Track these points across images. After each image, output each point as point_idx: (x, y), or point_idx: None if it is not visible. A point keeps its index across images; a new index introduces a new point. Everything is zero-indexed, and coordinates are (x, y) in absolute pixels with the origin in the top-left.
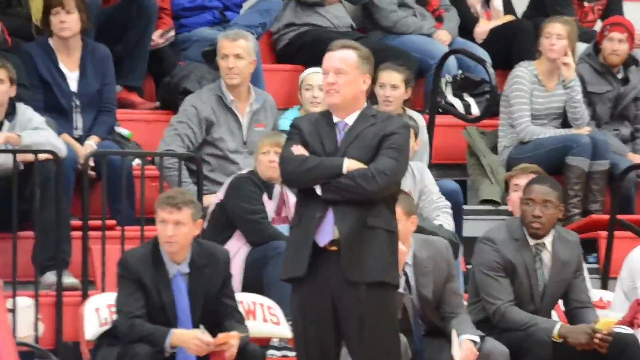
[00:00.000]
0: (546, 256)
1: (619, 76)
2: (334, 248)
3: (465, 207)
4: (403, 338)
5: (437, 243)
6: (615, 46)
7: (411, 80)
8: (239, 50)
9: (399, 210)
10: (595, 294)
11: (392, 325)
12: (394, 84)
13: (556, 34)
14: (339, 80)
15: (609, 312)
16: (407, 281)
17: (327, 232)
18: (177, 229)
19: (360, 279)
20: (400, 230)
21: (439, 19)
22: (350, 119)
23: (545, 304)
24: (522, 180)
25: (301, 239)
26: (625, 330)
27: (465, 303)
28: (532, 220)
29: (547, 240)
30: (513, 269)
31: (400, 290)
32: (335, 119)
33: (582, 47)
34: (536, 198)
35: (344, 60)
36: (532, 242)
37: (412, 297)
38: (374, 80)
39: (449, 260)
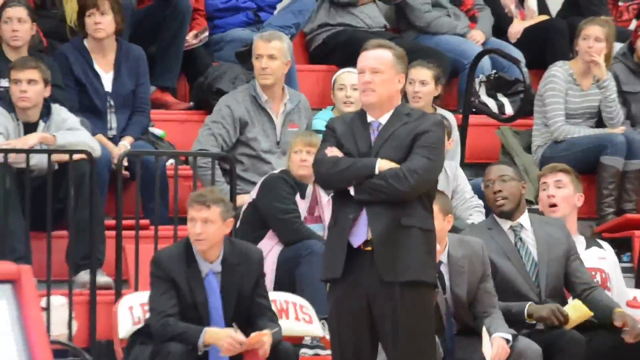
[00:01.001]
0: (527, 235)
1: None
2: (369, 248)
3: None
4: (435, 337)
5: (472, 243)
6: None
7: (441, 77)
8: (273, 51)
9: (436, 208)
10: (630, 293)
11: (427, 325)
12: (422, 79)
13: (594, 36)
14: (375, 79)
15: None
16: (441, 280)
17: (361, 233)
18: (205, 227)
19: (394, 278)
20: (436, 229)
21: (473, 19)
22: (384, 119)
23: (544, 285)
24: (551, 179)
25: (337, 240)
26: None
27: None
28: (494, 198)
29: (524, 220)
30: (492, 262)
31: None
32: (370, 119)
33: (617, 46)
34: (493, 176)
35: (380, 59)
36: (506, 225)
37: (445, 297)
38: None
39: (484, 259)
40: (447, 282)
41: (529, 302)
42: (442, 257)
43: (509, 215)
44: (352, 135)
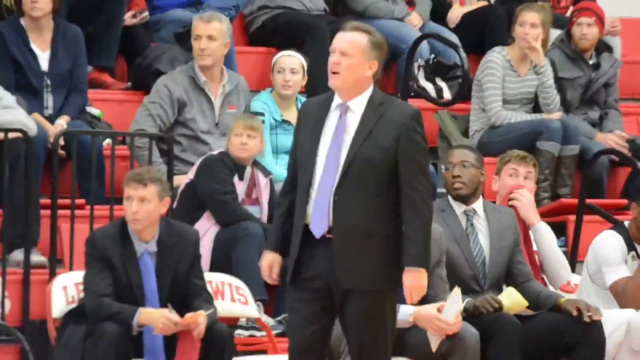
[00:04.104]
0: (479, 222)
1: (591, 62)
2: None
3: (438, 190)
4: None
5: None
6: (584, 30)
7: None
8: (212, 31)
9: None
10: (563, 277)
11: (386, 330)
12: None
13: (531, 22)
14: (342, 62)
15: (574, 296)
16: None
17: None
18: (142, 206)
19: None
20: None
21: (411, 3)
22: (354, 104)
23: (490, 274)
24: (523, 170)
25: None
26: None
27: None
28: (452, 182)
29: (478, 207)
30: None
31: None
32: (338, 101)
33: (555, 33)
34: (454, 160)
35: (352, 42)
36: (459, 209)
37: None
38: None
39: (440, 246)
40: None
41: (466, 299)
42: None
43: (464, 200)
44: (316, 121)
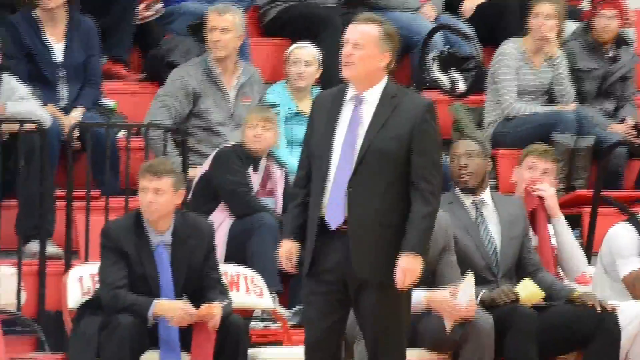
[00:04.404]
0: (488, 212)
1: (609, 54)
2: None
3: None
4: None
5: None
6: (606, 22)
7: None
8: (226, 23)
9: None
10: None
11: (401, 322)
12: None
13: (546, 13)
14: (354, 53)
15: (589, 288)
16: None
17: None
18: (156, 197)
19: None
20: None
21: None
22: (368, 96)
23: (502, 263)
24: (541, 165)
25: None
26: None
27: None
28: (459, 173)
29: (486, 196)
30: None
31: None
32: (352, 92)
33: (569, 25)
34: (459, 151)
35: (364, 34)
36: (467, 200)
37: None
38: None
39: (447, 232)
40: None
41: (482, 291)
42: None
43: (472, 191)
44: (330, 113)
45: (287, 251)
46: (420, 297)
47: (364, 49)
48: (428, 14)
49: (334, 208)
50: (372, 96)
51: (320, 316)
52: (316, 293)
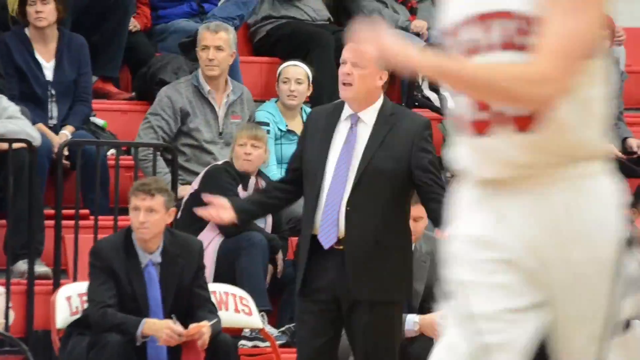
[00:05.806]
0: None
1: None
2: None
3: None
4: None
5: (437, 241)
6: None
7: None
8: (220, 42)
9: None
10: None
11: (394, 341)
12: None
13: None
14: (354, 73)
15: None
16: None
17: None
18: (149, 216)
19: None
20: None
21: (413, 11)
22: (366, 115)
23: None
24: None
25: None
26: None
27: None
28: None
29: None
30: None
31: None
32: (348, 112)
33: None
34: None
35: (363, 53)
36: None
37: None
38: None
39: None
40: None
41: None
42: None
43: None
44: (325, 130)
45: (222, 203)
46: (413, 322)
47: (364, 68)
48: (420, 27)
49: (327, 227)
50: (369, 115)
51: (313, 335)
52: (309, 312)
